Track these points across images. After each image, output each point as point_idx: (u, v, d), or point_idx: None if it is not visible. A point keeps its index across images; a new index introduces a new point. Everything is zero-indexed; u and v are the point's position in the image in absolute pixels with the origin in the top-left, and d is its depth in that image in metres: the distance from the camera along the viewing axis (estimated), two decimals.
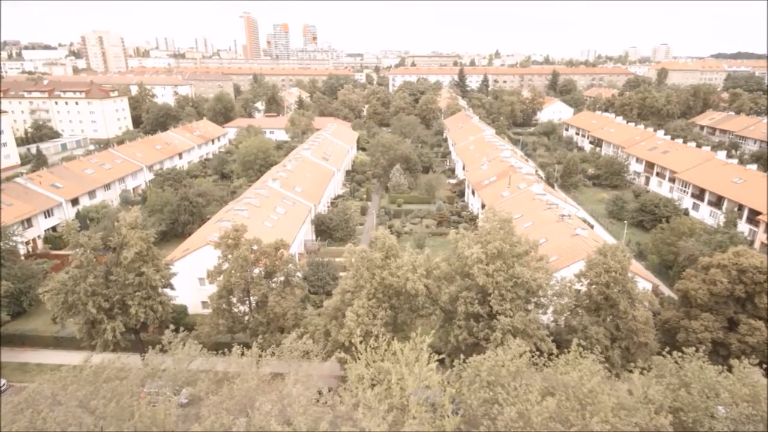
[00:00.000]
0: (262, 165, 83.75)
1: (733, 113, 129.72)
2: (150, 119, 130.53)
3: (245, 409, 19.83)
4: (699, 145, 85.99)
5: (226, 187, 79.69)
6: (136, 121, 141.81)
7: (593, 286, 29.64)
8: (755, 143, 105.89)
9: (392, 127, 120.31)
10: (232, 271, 33.09)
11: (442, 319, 30.64)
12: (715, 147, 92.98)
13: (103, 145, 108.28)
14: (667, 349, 23.27)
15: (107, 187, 75.46)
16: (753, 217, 58.85)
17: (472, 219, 66.77)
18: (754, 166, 70.70)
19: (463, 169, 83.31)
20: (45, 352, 39.60)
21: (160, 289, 35.94)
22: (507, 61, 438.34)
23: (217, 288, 34.15)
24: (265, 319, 33.55)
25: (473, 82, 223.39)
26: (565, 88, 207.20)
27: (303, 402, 18.24)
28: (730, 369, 21.02)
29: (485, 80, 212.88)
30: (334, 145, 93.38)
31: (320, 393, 20.03)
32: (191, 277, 42.49)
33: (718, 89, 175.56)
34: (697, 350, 21.72)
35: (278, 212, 54.39)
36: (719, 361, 26.94)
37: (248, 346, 23.07)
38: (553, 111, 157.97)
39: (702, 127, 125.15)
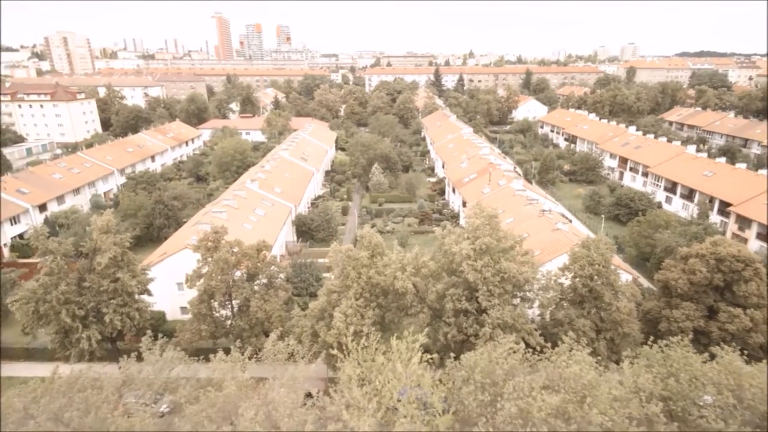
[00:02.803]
0: (240, 166, 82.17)
1: (699, 109, 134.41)
2: (120, 121, 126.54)
3: (229, 416, 19.13)
4: (669, 140, 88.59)
5: (202, 190, 77.85)
6: (105, 124, 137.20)
7: (577, 279, 29.90)
8: (721, 137, 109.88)
9: (370, 126, 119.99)
10: (213, 275, 32.11)
11: (430, 317, 30.39)
12: (685, 142, 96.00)
13: (71, 148, 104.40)
14: (651, 338, 23.60)
15: (77, 191, 72.59)
16: (723, 208, 60.88)
17: (454, 216, 67.02)
18: (722, 160, 73.18)
19: (443, 167, 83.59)
20: (15, 365, 37.57)
21: (136, 296, 34.64)
22: (481, 60, 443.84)
23: (197, 292, 33.04)
24: (249, 323, 32.68)
25: (449, 81, 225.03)
26: (539, 87, 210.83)
27: (289, 404, 17.68)
28: (712, 356, 21.42)
29: (461, 80, 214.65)
30: (313, 146, 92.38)
31: (309, 395, 19.48)
32: (169, 282, 41.11)
33: (685, 86, 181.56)
34: (682, 339, 22.05)
35: (258, 214, 53.28)
36: (701, 348, 27.51)
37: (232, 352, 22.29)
38: (528, 109, 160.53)
39: (671, 123, 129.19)
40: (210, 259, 32.62)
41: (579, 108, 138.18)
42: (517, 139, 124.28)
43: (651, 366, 21.16)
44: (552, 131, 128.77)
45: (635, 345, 28.33)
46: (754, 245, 53.84)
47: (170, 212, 58.80)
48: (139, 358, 22.92)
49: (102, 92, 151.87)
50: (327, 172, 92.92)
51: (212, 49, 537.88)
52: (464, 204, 62.17)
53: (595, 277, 29.21)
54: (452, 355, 21.27)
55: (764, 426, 18.30)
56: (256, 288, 34.17)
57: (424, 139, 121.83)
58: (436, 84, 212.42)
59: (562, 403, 15.74)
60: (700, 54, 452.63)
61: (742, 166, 69.92)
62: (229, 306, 34.38)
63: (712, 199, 63.48)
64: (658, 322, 33.14)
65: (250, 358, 21.57)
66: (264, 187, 60.63)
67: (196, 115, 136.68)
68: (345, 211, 70.89)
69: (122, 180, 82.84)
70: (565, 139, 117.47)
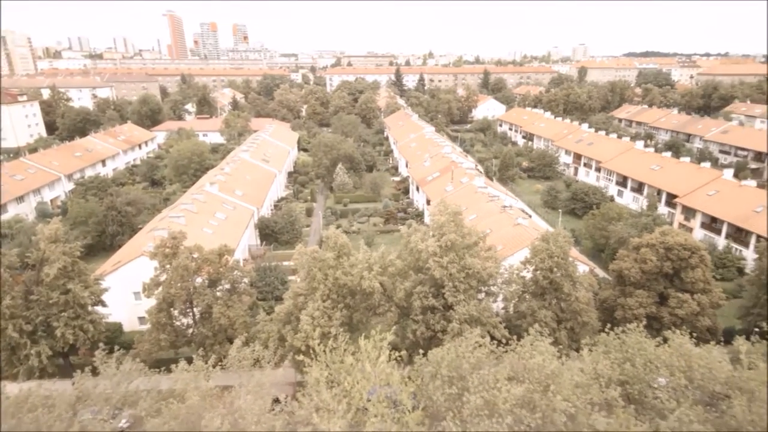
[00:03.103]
0: (197, 169, 79.63)
1: (646, 106, 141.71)
2: (66, 125, 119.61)
3: (193, 427, 18.49)
4: (619, 137, 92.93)
5: (158, 194, 74.93)
6: (50, 127, 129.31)
7: (538, 272, 30.84)
8: (667, 133, 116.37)
9: (333, 126, 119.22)
10: (172, 282, 30.94)
11: (398, 315, 30.53)
12: (633, 137, 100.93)
13: (13, 154, 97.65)
14: (608, 326, 24.66)
15: (20, 199, 68.07)
16: (670, 200, 64.51)
17: (419, 215, 67.62)
18: (668, 154, 77.53)
19: (407, 166, 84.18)
20: None
21: (90, 307, 32.90)
22: (440, 61, 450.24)
23: (155, 301, 31.74)
24: (212, 330, 31.70)
25: (410, 81, 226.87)
26: (497, 87, 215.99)
27: (256, 411, 17.29)
28: (664, 340, 22.60)
29: (421, 79, 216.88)
30: (274, 146, 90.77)
31: (277, 401, 19.13)
32: (125, 291, 39.34)
33: (632, 85, 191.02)
34: (637, 325, 23.15)
35: (218, 218, 51.80)
36: (654, 333, 29.02)
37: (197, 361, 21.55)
38: (487, 108, 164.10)
39: (620, 120, 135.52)
40: (168, 266, 31.41)
41: (535, 107, 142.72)
42: (477, 138, 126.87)
43: (609, 352, 22.08)
44: (510, 129, 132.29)
45: (593, 333, 29.50)
46: (698, 234, 57.38)
47: (124, 219, 56.27)
48: (95, 373, 21.77)
49: (46, 94, 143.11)
50: (290, 174, 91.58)
51: (165, 48, 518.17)
52: (428, 202, 62.86)
53: (555, 270, 30.21)
54: (421, 351, 21.44)
55: (714, 403, 19.47)
56: (218, 294, 33.20)
57: (387, 138, 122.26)
58: (398, 84, 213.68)
59: (526, 393, 16.18)
60: (646, 54, 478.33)
61: (686, 159, 74.39)
62: (191, 314, 33.23)
63: (659, 192, 67.12)
64: (614, 310, 34.70)
65: (213, 366, 20.92)
66: (224, 190, 59.02)
67: (149, 117, 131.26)
68: (309, 213, 70.10)
69: (70, 186, 78.43)
70: (523, 137, 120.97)
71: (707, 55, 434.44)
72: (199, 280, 32.98)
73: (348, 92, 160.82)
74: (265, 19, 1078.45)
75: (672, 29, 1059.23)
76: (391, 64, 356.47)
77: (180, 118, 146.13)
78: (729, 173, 63.75)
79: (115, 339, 36.33)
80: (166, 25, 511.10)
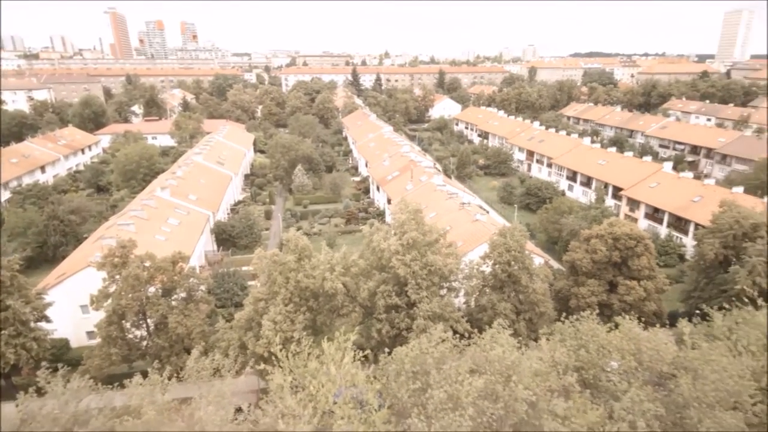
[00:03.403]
0: (147, 174, 76.15)
1: (591, 104, 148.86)
2: None
3: None
4: (568, 133, 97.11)
5: (104, 201, 71.16)
6: None
7: (497, 266, 31.64)
8: (611, 129, 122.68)
9: (290, 127, 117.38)
10: (122, 293, 29.43)
11: (362, 315, 30.46)
12: (581, 134, 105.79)
13: None
14: (563, 315, 25.70)
15: None
16: (616, 193, 68.06)
17: (380, 214, 67.81)
18: (613, 149, 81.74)
19: (366, 166, 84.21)
20: None
21: (32, 324, 30.73)
22: (396, 61, 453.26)
23: (105, 314, 30.09)
24: (168, 341, 30.42)
25: (367, 81, 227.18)
26: (452, 86, 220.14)
27: (217, 422, 16.74)
28: (615, 326, 23.82)
29: (378, 79, 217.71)
30: (229, 148, 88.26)
31: (239, 410, 18.62)
32: (71, 305, 37.06)
33: (578, 84, 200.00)
34: (591, 313, 24.25)
35: (171, 224, 49.77)
36: (605, 320, 30.49)
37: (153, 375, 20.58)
38: (443, 107, 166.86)
39: (568, 118, 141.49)
40: (118, 276, 29.86)
41: (489, 105, 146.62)
42: (435, 137, 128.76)
43: (564, 340, 22.99)
44: (466, 128, 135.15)
45: (550, 322, 30.60)
46: (643, 224, 60.89)
47: (67, 228, 53.01)
48: (40, 393, 20.34)
49: None
50: (246, 176, 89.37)
51: (107, 48, 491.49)
52: (389, 201, 63.16)
53: (512, 263, 31.10)
54: (386, 350, 21.49)
55: (662, 383, 20.70)
56: (173, 303, 31.88)
57: (345, 138, 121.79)
58: (355, 84, 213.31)
59: (488, 385, 16.56)
60: (590, 54, 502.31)
61: (630, 154, 78.74)
62: (144, 325, 31.74)
63: (606, 185, 70.66)
64: (568, 299, 36.19)
65: (169, 379, 20.07)
66: (177, 195, 56.77)
67: (92, 120, 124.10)
68: (268, 216, 68.71)
69: (6, 195, 72.94)
70: (479, 135, 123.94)
71: (646, 55, 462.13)
72: (152, 289, 31.56)
73: (304, 92, 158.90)
74: (215, 18, 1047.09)
75: (613, 30, 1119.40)
76: (347, 63, 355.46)
77: (126, 120, 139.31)
78: (668, 166, 68.08)
79: (62, 356, 34.23)
80: (108, 23, 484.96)
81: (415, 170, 66.68)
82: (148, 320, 31.74)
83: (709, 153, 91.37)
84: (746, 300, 27.17)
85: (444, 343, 19.88)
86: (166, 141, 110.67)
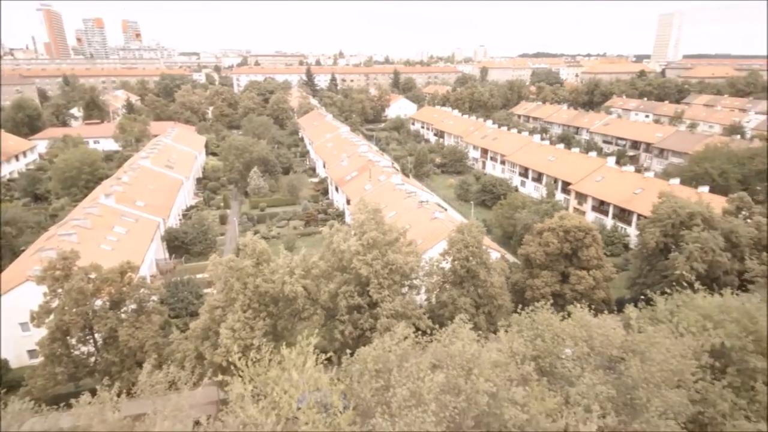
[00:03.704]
0: (89, 180, 71.96)
1: (540, 103, 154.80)
2: None
3: None
4: (519, 131, 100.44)
5: (42, 211, 66.52)
6: None
7: (456, 262, 32.26)
8: (559, 127, 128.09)
9: (243, 129, 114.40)
10: (66, 308, 27.63)
11: (324, 318, 30.15)
12: (531, 132, 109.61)
13: None
14: (520, 306, 26.58)
15: None
16: (565, 187, 71.13)
17: (339, 215, 67.40)
18: (561, 146, 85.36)
19: (324, 167, 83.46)
20: None
21: None
22: (351, 60, 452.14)
23: (47, 331, 28.12)
24: (119, 355, 28.85)
25: (322, 81, 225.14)
26: (407, 86, 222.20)
27: None
28: (568, 314, 24.89)
29: (333, 79, 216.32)
30: (179, 152, 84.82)
31: (198, 423, 17.93)
32: (9, 323, 34.54)
33: (527, 83, 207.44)
34: (545, 304, 25.20)
35: (118, 232, 47.25)
36: (559, 309, 31.78)
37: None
38: (399, 107, 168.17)
39: (519, 116, 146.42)
40: (60, 290, 27.99)
41: (443, 105, 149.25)
42: (392, 136, 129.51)
43: (522, 331, 23.76)
44: (422, 127, 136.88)
45: (508, 314, 31.54)
46: (590, 216, 64.00)
47: (2, 241, 49.14)
48: None
49: None
50: (199, 180, 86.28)
51: (41, 47, 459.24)
52: (348, 202, 62.92)
53: (471, 258, 31.82)
54: (348, 351, 21.38)
55: (612, 366, 21.80)
56: (123, 316, 30.27)
57: (302, 139, 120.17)
58: (309, 84, 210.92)
59: (450, 379, 16.85)
60: (537, 55, 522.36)
61: (576, 150, 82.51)
62: (91, 340, 29.96)
63: (556, 180, 73.72)
64: (524, 291, 37.46)
65: (118, 396, 19.05)
66: (123, 202, 53.94)
67: (26, 124, 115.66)
68: (223, 220, 66.63)
69: None
70: (435, 134, 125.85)
71: (588, 55, 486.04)
72: (99, 302, 29.83)
73: (257, 92, 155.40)
74: (160, 16, 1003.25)
75: (558, 31, 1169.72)
76: (301, 63, 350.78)
77: (65, 124, 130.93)
78: (612, 161, 71.92)
79: (1, 378, 31.68)
80: (42, 21, 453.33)
81: (374, 170, 66.79)
82: (96, 335, 30.00)
83: (648, 147, 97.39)
84: (685, 284, 29.15)
85: (406, 340, 20.03)
86: (110, 145, 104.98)
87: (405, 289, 31.39)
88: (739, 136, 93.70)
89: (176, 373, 20.68)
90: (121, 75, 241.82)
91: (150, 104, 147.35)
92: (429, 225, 46.22)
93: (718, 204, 44.77)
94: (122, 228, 48.33)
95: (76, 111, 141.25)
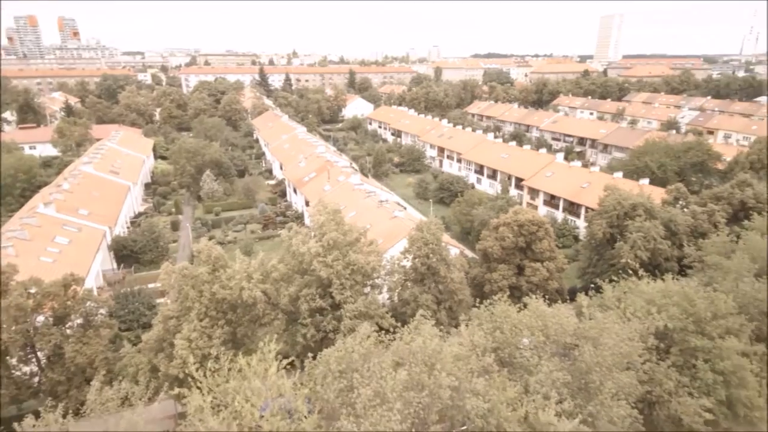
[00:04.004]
0: (26, 188, 67.30)
1: (492, 102, 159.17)
2: None
3: None
4: (474, 130, 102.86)
5: None
6: None
7: (417, 260, 32.61)
8: (511, 125, 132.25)
9: (194, 130, 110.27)
10: (3, 327, 25.61)
11: (286, 322, 29.62)
12: (485, 130, 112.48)
13: None
14: (479, 300, 27.25)
15: None
16: (519, 183, 73.56)
17: (298, 217, 66.45)
18: (513, 143, 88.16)
19: (281, 168, 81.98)
20: None
21: None
22: (305, 60, 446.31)
23: None
24: (66, 373, 27.10)
25: (276, 81, 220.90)
26: (363, 86, 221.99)
27: None
28: (524, 305, 25.75)
29: (288, 79, 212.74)
30: (125, 156, 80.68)
31: None
32: None
33: (480, 83, 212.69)
34: (501, 296, 25.95)
35: (60, 243, 44.37)
36: (516, 301, 32.81)
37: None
38: (356, 107, 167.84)
39: (473, 115, 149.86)
40: None
41: (400, 105, 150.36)
42: (349, 136, 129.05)
43: (481, 324, 24.36)
44: (380, 127, 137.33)
45: (468, 308, 32.25)
46: (542, 210, 66.53)
47: None
48: None
49: None
50: (147, 185, 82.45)
51: None
52: (307, 203, 62.13)
53: (431, 255, 32.24)
54: (310, 355, 21.12)
55: (566, 353, 22.75)
56: (69, 331, 28.48)
57: (257, 141, 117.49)
58: (263, 84, 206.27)
59: (413, 376, 17.01)
60: (489, 55, 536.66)
61: (528, 147, 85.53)
62: (34, 359, 27.96)
63: (510, 177, 76.07)
64: (483, 285, 38.40)
65: (64, 417, 17.94)
66: (64, 210, 50.69)
67: None
68: (175, 226, 64.01)
69: None
70: (392, 134, 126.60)
71: (536, 55, 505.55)
72: (41, 318, 27.90)
73: (208, 93, 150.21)
74: (99, 14, 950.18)
75: (507, 32, 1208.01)
76: (253, 63, 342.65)
77: None
78: (560, 157, 75.11)
79: None
80: None
81: (332, 171, 66.31)
82: (39, 353, 28.04)
83: (594, 143, 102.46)
84: (630, 272, 30.94)
85: (369, 339, 20.04)
86: (48, 151, 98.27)
87: (367, 289, 31.38)
88: (675, 131, 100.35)
89: (129, 388, 19.73)
90: (59, 76, 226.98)
91: (91, 106, 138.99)
92: (389, 224, 46.44)
93: (657, 195, 47.75)
94: (64, 238, 45.41)
95: (9, 115, 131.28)
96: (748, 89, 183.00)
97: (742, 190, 43.58)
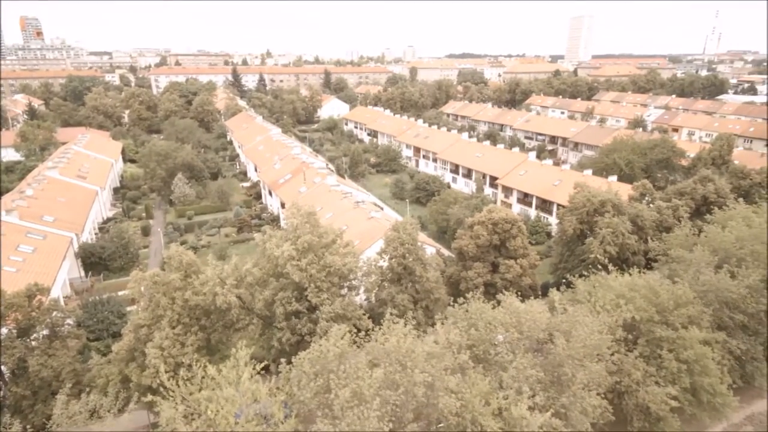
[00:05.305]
0: None
1: (467, 102, 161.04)
2: None
3: None
4: (449, 129, 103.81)
5: None
6: None
7: (393, 260, 32.70)
8: (485, 124, 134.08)
9: (165, 133, 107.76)
10: None
11: (261, 327, 29.28)
12: (460, 130, 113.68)
13: None
14: (455, 298, 27.56)
15: None
16: (493, 182, 74.64)
17: (274, 219, 65.72)
18: (487, 143, 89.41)
19: (256, 170, 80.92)
20: None
21: None
22: (280, 60, 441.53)
23: None
24: (30, 388, 26.10)
25: (250, 81, 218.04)
26: (338, 86, 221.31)
27: None
28: (498, 302, 26.18)
29: (262, 80, 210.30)
30: (92, 160, 78.20)
31: None
32: None
33: (454, 83, 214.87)
34: (474, 294, 26.31)
35: (24, 251, 42.72)
36: (490, 298, 33.32)
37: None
38: (332, 107, 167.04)
39: (448, 115, 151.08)
40: None
41: (376, 105, 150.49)
42: (325, 137, 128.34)
43: (457, 322, 24.66)
44: (356, 127, 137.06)
45: (445, 307, 32.56)
46: (516, 208, 67.70)
47: None
48: None
49: None
50: (116, 189, 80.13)
51: None
52: (283, 205, 61.52)
53: (407, 255, 32.40)
54: (284, 360, 20.97)
55: (540, 348, 23.23)
56: (33, 344, 27.44)
57: (231, 142, 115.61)
58: (236, 84, 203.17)
59: (388, 375, 17.11)
60: (463, 56, 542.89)
61: (501, 146, 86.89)
62: None
63: (484, 176, 77.11)
64: (458, 283, 38.85)
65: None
66: (28, 217, 48.81)
67: None
68: (146, 232, 62.41)
69: None
70: (368, 134, 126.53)
71: (509, 56, 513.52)
72: (4, 330, 26.79)
73: (179, 94, 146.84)
74: (64, 13, 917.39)
75: (481, 32, 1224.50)
76: (226, 63, 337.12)
77: None
78: (533, 155, 76.54)
79: None
80: None
81: (308, 172, 65.84)
82: (2, 367, 26.91)
83: (565, 141, 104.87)
84: (600, 266, 31.83)
85: (343, 339, 20.02)
86: (11, 155, 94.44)
87: (344, 291, 31.30)
88: (641, 129, 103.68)
89: (97, 400, 19.19)
90: (21, 77, 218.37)
91: (56, 109, 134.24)
92: (366, 225, 46.44)
93: (624, 191, 49.22)
94: (28, 246, 43.73)
95: None
96: (710, 87, 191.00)
97: (704, 185, 45.35)
